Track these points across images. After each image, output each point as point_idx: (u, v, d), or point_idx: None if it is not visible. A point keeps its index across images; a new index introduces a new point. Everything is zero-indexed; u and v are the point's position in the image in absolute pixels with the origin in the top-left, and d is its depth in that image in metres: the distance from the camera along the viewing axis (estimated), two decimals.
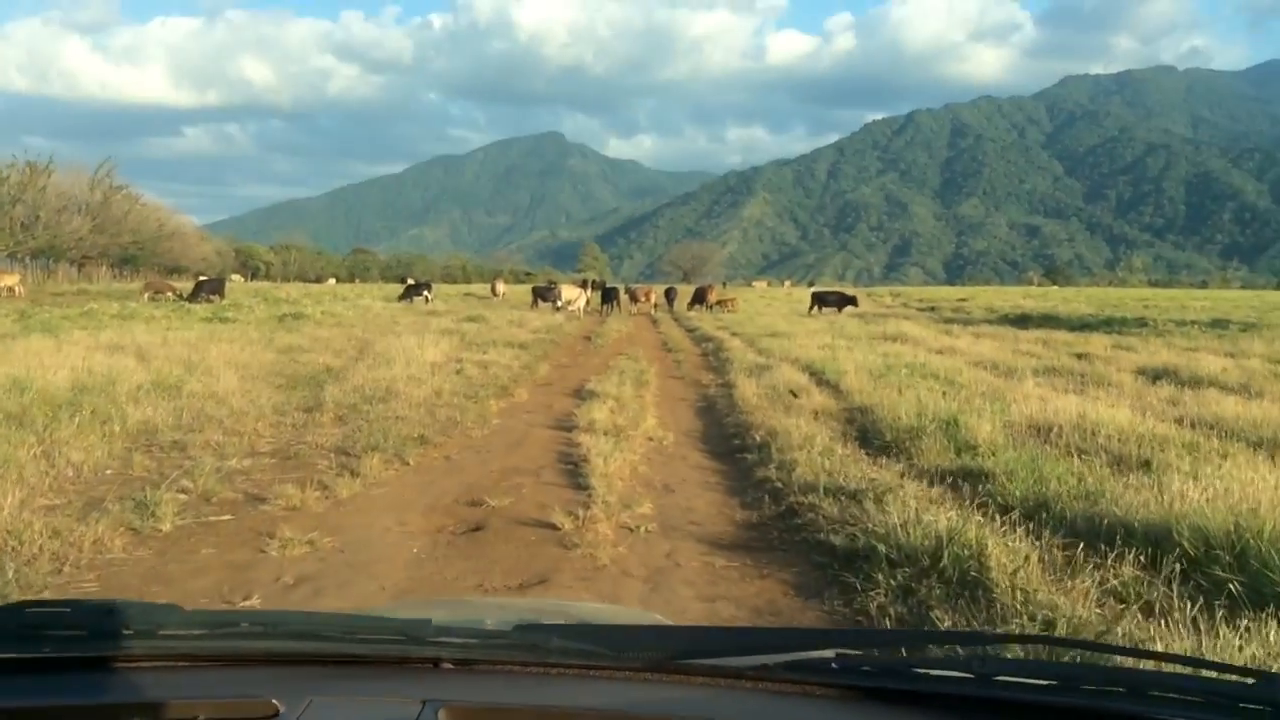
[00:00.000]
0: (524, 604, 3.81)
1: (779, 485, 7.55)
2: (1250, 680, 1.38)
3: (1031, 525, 5.90)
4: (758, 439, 9.50)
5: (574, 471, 8.23)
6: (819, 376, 14.79)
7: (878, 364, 16.44)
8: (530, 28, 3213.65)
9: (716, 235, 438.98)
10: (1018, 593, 4.75)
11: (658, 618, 2.70)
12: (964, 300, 55.88)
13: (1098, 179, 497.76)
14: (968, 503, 6.66)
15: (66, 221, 70.62)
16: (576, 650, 1.50)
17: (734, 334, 25.75)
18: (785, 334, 24.64)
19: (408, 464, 8.49)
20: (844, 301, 41.27)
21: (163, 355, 16.40)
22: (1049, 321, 32.48)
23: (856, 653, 1.53)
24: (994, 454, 8.37)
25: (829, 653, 1.48)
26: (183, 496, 6.96)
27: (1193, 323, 28.72)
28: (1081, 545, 5.57)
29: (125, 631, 1.52)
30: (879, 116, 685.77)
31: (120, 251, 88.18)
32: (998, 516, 6.02)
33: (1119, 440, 8.92)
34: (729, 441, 10.05)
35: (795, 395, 12.42)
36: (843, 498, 6.85)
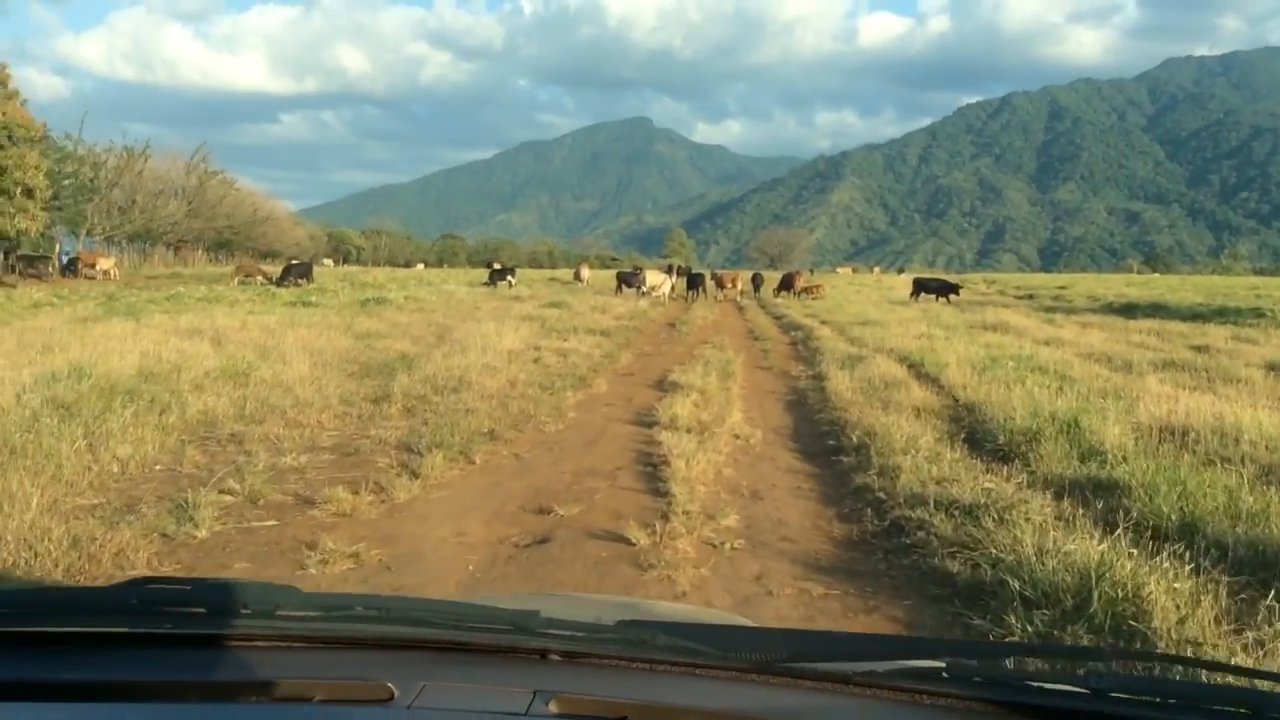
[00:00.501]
0: (617, 601, 3.69)
1: (881, 495, 6.73)
2: None
3: (1186, 554, 5.00)
4: (854, 439, 8.66)
5: (653, 475, 7.51)
6: (917, 369, 13.84)
7: (980, 356, 15.41)
8: (619, 12, 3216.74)
9: (804, 221, 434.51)
10: (1187, 647, 3.91)
11: (745, 621, 2.65)
12: (1064, 288, 53.80)
13: (1201, 163, 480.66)
14: (1102, 523, 5.77)
15: (162, 206, 72.12)
16: (682, 648, 1.49)
17: (823, 322, 24.78)
18: (878, 322, 23.59)
19: (473, 463, 7.86)
20: (946, 289, 39.50)
21: (239, 340, 16.13)
22: (1158, 311, 30.77)
23: (968, 663, 1.48)
24: (1124, 461, 7.44)
25: (939, 662, 1.45)
26: (228, 498, 6.42)
27: None
28: (1248, 580, 4.69)
29: (244, 611, 1.53)
30: (973, 100, 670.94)
31: (215, 236, 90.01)
32: (1143, 541, 5.14)
33: (1266, 447, 7.89)
34: (822, 441, 9.23)
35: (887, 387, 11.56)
36: (957, 513, 6.02)
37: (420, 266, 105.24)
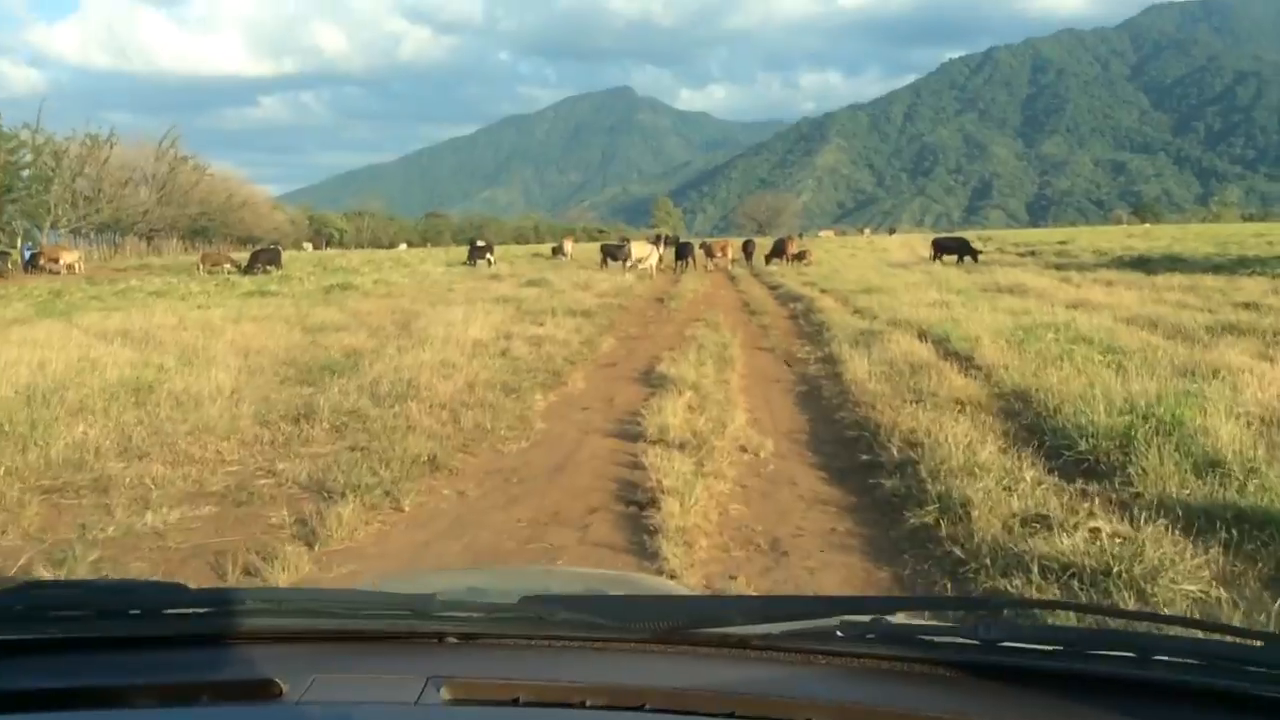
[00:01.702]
0: (532, 573, 3.51)
1: (953, 547, 4.87)
2: (1258, 643, 1.38)
3: None
4: (893, 451, 6.78)
5: (637, 521, 5.64)
6: (943, 346, 11.97)
7: (1009, 326, 13.57)
8: None
9: (791, 185, 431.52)
10: None
11: (669, 584, 2.70)
12: (1064, 243, 51.89)
13: (1186, 111, 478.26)
14: None
15: (131, 194, 69.76)
16: (581, 622, 1.48)
17: (823, 290, 22.89)
18: (882, 289, 21.70)
19: (401, 510, 5.98)
20: (966, 250, 36.75)
21: (170, 341, 14.27)
22: (1176, 264, 28.93)
23: (861, 619, 1.44)
24: (1254, 474, 5.63)
25: (834, 620, 1.43)
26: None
27: None
28: None
29: (132, 611, 1.53)
30: (956, 55, 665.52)
31: (189, 223, 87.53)
32: None
33: None
34: (851, 452, 7.35)
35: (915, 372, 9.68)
36: (1074, 581, 4.18)
37: (403, 247, 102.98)
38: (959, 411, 7.92)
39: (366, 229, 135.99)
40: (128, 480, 6.56)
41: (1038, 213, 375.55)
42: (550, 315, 17.80)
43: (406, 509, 5.99)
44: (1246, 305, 15.83)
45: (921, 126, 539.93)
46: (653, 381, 10.60)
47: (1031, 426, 7.47)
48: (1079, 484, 5.89)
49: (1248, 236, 50.44)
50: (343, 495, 5.96)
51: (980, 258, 35.72)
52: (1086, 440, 6.57)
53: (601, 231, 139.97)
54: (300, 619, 1.53)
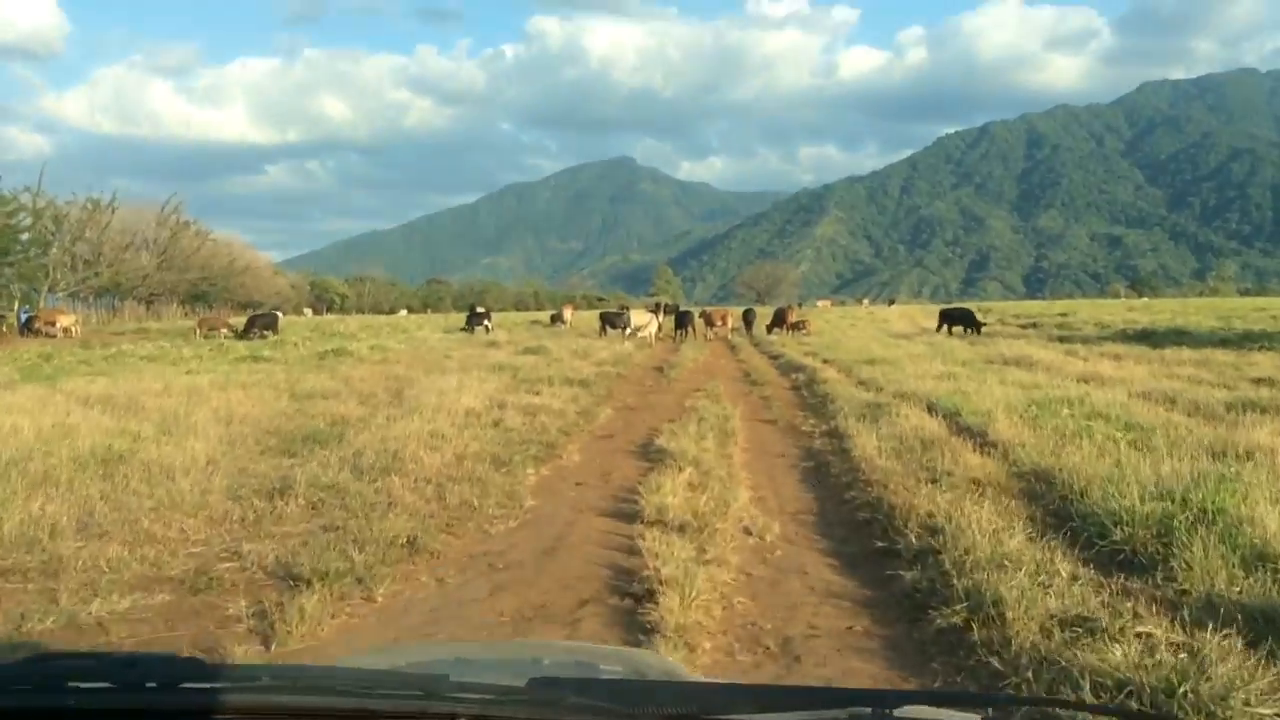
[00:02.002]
0: (529, 646, 3.57)
1: (989, 657, 4.34)
2: None
3: None
4: (912, 537, 6.26)
5: (632, 615, 5.12)
6: (955, 421, 11.49)
7: (1020, 400, 13.10)
8: (600, 54, 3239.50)
9: (789, 255, 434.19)
10: None
11: (678, 668, 2.63)
12: (1065, 315, 51.68)
13: (1180, 186, 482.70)
14: None
15: (132, 259, 69.70)
16: (592, 707, 1.50)
17: (825, 361, 22.46)
18: (886, 360, 21.26)
19: (373, 600, 5.46)
20: (970, 321, 36.26)
21: (152, 407, 13.76)
22: (1181, 338, 28.55)
23: (864, 710, 1.46)
24: None
25: (844, 713, 1.46)
26: None
27: None
28: None
29: (149, 685, 1.54)
30: (952, 130, 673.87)
31: (190, 288, 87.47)
32: None
33: None
34: (864, 537, 6.84)
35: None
36: (1136, 701, 3.65)
37: (404, 312, 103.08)
38: (978, 493, 7.42)
39: (368, 294, 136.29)
40: (81, 562, 6.03)
41: (1034, 285, 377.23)
42: (546, 384, 17.34)
43: (379, 599, 5.47)
44: (1262, 381, 15.38)
45: (919, 199, 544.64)
46: (651, 455, 10.10)
47: (1058, 511, 6.95)
48: (1118, 579, 5.38)
49: (1249, 311, 50.22)
50: (310, 583, 5.44)
51: (983, 330, 35.29)
52: (1121, 529, 6.06)
53: (601, 299, 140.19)
54: (315, 696, 1.53)
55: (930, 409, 12.44)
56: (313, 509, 7.58)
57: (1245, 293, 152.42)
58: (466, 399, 14.21)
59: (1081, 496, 7.08)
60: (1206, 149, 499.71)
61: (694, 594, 5.14)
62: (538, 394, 15.82)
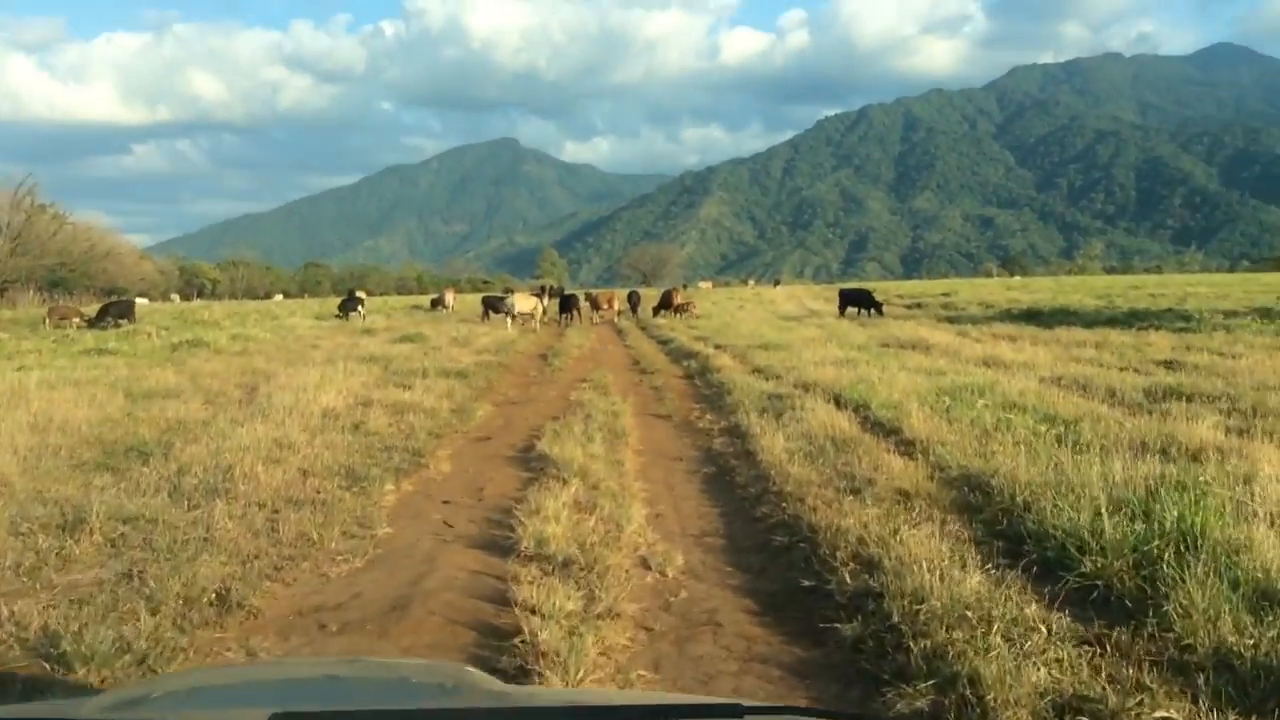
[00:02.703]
0: (332, 663, 3.37)
1: None
2: None
3: None
4: (845, 574, 5.18)
5: None
6: (864, 414, 10.55)
7: (927, 388, 12.27)
8: (482, 33, 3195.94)
9: (674, 236, 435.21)
10: None
11: (492, 681, 2.40)
12: (947, 294, 51.95)
13: (1049, 168, 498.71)
14: None
15: None
16: None
17: (717, 346, 21.47)
18: (780, 345, 20.37)
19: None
20: (870, 303, 35.22)
21: None
22: (1069, 317, 28.47)
23: None
24: None
25: None
26: None
27: (1233, 313, 24.90)
28: None
29: None
30: (832, 113, 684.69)
31: (47, 274, 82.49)
32: None
33: None
34: (784, 568, 5.74)
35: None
36: None
37: (279, 297, 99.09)
38: (907, 507, 6.41)
39: (241, 279, 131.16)
40: None
41: (911, 265, 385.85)
42: (420, 376, 15.94)
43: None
44: (1167, 364, 14.92)
45: (800, 181, 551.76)
46: (532, 463, 8.88)
47: (1004, 531, 5.96)
48: (1099, 626, 4.38)
49: (1125, 289, 51.27)
50: (72, 666, 4.08)
51: (877, 312, 34.63)
52: (1090, 559, 5.07)
53: (486, 282, 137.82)
54: None
55: (837, 401, 11.48)
56: (111, 547, 6.15)
57: (1111, 271, 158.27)
58: (327, 397, 12.75)
59: (1026, 509, 6.13)
60: (1073, 131, 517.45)
61: (580, 671, 3.95)
62: (409, 389, 14.44)
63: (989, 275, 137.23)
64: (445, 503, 7.66)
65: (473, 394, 14.58)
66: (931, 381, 12.97)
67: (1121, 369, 14.40)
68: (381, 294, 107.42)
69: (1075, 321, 26.87)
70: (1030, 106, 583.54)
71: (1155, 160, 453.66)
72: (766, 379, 14.60)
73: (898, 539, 5.43)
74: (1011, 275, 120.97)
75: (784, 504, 6.95)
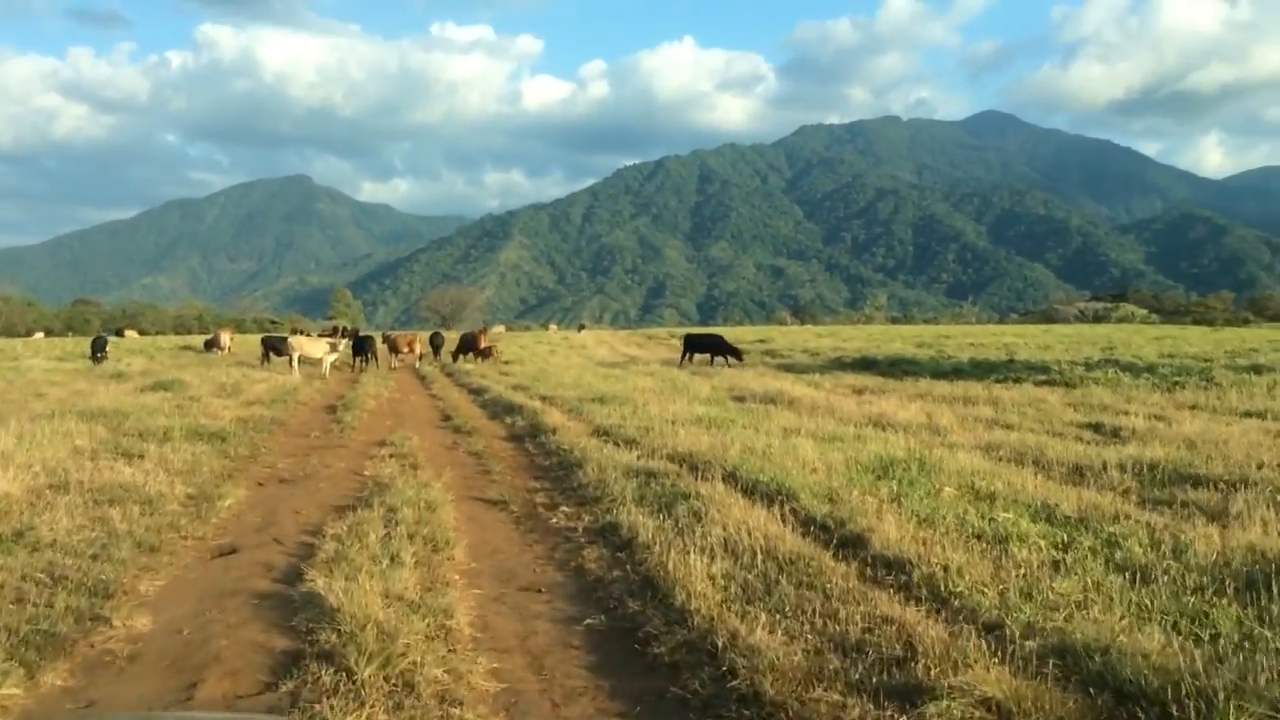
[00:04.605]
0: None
1: None
2: None
3: None
4: None
5: None
6: (790, 506, 7.42)
7: (840, 461, 9.36)
8: (276, 67, 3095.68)
9: (474, 279, 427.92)
10: None
11: None
12: (764, 341, 50.35)
13: (834, 222, 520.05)
14: None
15: None
16: None
17: (542, 398, 18.12)
18: (615, 398, 17.22)
19: None
20: (725, 350, 31.82)
21: None
22: (908, 366, 26.61)
23: None
24: None
25: None
26: None
27: (1092, 365, 23.48)
28: None
29: None
30: (632, 162, 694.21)
31: None
32: None
33: None
34: None
35: None
36: None
37: (39, 336, 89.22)
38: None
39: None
40: None
41: (708, 312, 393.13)
42: (159, 440, 11.93)
43: None
44: (1094, 427, 12.58)
45: (600, 228, 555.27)
46: (296, 618, 5.29)
47: None
48: None
49: (935, 337, 50.96)
50: None
51: (735, 359, 31.49)
52: None
53: (274, 322, 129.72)
54: None
55: (736, 483, 8.36)
56: None
57: (895, 320, 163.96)
58: (8, 477, 8.71)
59: None
60: (856, 189, 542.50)
61: None
62: (137, 459, 10.48)
63: (783, 323, 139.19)
64: None
65: (227, 467, 10.72)
66: (840, 452, 10.05)
67: (1051, 434, 11.90)
68: (157, 333, 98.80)
69: (918, 371, 24.97)
70: (817, 164, 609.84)
71: (930, 218, 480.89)
72: (621, 445, 11.35)
73: None
74: (803, 323, 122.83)
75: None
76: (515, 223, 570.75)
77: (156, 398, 18.07)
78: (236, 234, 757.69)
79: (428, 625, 4.92)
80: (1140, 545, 6.04)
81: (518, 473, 10.68)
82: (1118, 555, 5.89)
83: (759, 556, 5.90)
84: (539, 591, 5.97)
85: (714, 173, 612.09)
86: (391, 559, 6.12)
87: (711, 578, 5.52)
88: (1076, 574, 5.44)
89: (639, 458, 10.21)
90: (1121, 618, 4.63)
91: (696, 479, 8.58)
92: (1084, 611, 4.78)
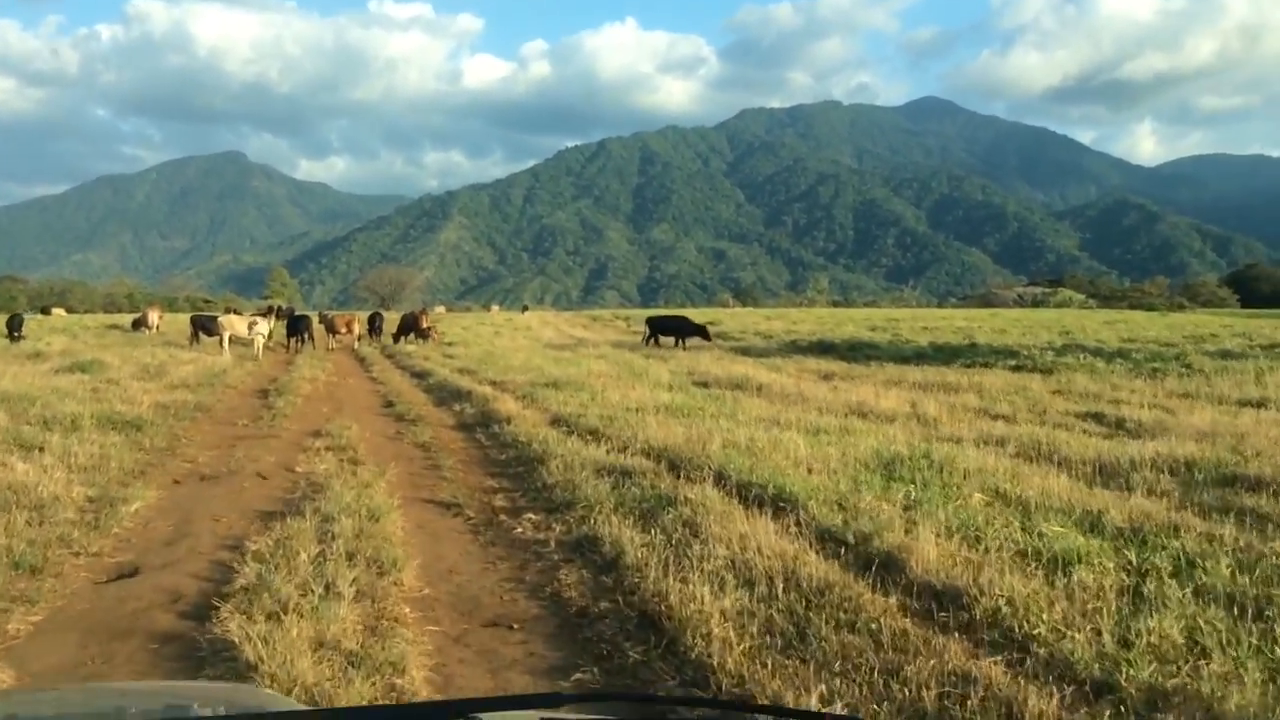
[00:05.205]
0: (105, 690, 3.05)
1: None
2: None
3: None
4: None
5: None
6: (796, 515, 6.39)
7: (836, 458, 8.37)
8: (210, 42, 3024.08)
9: (413, 260, 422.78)
10: None
11: (277, 699, 2.49)
12: (713, 323, 49.34)
13: (775, 206, 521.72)
14: None
15: None
16: None
17: (492, 383, 16.94)
18: (570, 383, 16.09)
19: None
20: (691, 330, 30.94)
21: None
22: (868, 350, 25.82)
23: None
24: None
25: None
26: None
27: (1062, 350, 22.82)
28: None
29: None
30: (573, 143, 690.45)
31: None
32: None
33: None
34: None
35: None
36: None
37: None
38: None
39: None
40: None
41: (649, 294, 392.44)
42: (65, 430, 10.61)
43: None
44: (1096, 417, 11.74)
45: (541, 209, 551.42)
46: (204, 660, 4.13)
47: None
48: None
49: (885, 321, 50.46)
50: None
51: (691, 340, 30.41)
52: None
53: (208, 301, 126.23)
54: None
55: (735, 489, 7.30)
56: None
57: (836, 304, 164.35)
58: None
59: None
60: (797, 173, 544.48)
61: None
62: (36, 451, 9.17)
63: (725, 305, 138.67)
64: None
65: (138, 462, 9.43)
66: (832, 446, 9.04)
67: (1054, 425, 11.01)
68: (86, 311, 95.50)
69: (879, 356, 24.20)
70: (759, 147, 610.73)
71: (870, 203, 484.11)
72: (585, 438, 10.24)
73: None
74: (745, 306, 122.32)
75: None
76: (455, 203, 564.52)
77: (72, 380, 16.61)
78: (170, 211, 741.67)
79: (373, 688, 3.79)
80: (1227, 568, 5.09)
81: (471, 469, 9.52)
82: (1204, 580, 4.93)
83: (778, 585, 4.84)
84: (510, 629, 4.85)
85: (656, 155, 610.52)
86: (326, 588, 4.96)
87: (725, 614, 4.46)
88: (1169, 608, 4.46)
89: (608, 453, 9.11)
90: (1260, 676, 3.65)
91: (679, 479, 7.52)
92: (1205, 663, 3.80)
